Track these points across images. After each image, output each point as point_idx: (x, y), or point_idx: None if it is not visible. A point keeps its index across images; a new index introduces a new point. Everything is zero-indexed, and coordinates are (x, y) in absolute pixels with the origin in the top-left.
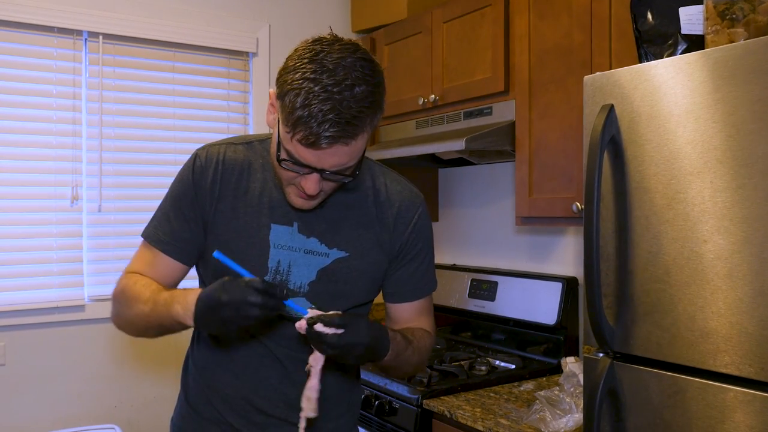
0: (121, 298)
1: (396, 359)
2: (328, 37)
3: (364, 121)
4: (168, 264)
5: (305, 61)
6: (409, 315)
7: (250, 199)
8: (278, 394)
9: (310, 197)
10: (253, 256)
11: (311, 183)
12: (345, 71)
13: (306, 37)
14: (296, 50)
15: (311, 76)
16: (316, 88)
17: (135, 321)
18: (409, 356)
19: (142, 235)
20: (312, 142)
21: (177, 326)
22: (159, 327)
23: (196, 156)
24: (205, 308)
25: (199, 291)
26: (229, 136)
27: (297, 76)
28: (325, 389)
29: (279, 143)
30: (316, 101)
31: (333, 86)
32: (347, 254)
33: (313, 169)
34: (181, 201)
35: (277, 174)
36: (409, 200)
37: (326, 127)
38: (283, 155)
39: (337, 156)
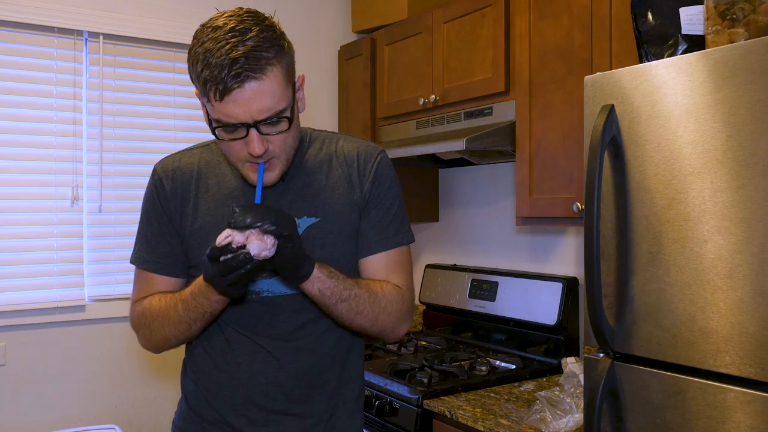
0: (145, 321)
1: (337, 292)
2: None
3: (266, 55)
4: (163, 281)
5: (198, 35)
6: (377, 270)
7: (211, 195)
8: (275, 387)
9: (261, 158)
10: None
11: (253, 143)
12: (234, 22)
13: (306, 38)
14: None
15: (205, 39)
16: (211, 44)
17: (175, 331)
18: (357, 297)
19: (131, 262)
20: (223, 90)
21: (216, 305)
22: (201, 316)
23: (153, 171)
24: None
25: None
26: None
27: (195, 49)
28: (322, 373)
29: (209, 120)
30: (214, 53)
31: (225, 35)
32: (317, 219)
33: (245, 126)
34: (151, 218)
35: (230, 159)
36: (366, 152)
37: (228, 68)
38: (214, 125)
39: (257, 98)
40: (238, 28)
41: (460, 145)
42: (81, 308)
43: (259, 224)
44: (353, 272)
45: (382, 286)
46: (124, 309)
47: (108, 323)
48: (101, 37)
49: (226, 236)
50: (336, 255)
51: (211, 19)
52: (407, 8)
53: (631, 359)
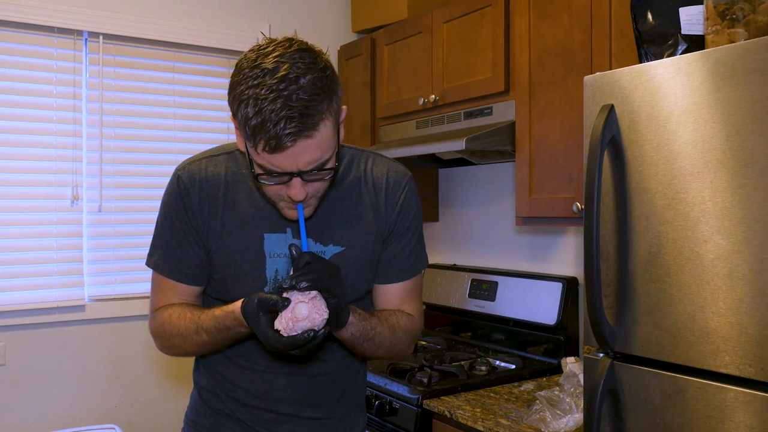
0: (164, 335)
1: (365, 333)
2: (263, 42)
3: (320, 108)
4: (187, 290)
5: (245, 71)
6: (392, 298)
7: (238, 212)
8: (289, 392)
9: (302, 203)
10: (250, 268)
11: (295, 189)
12: (286, 66)
13: (306, 37)
14: (236, 65)
15: (255, 82)
16: (263, 92)
17: (196, 350)
18: (380, 334)
19: (150, 266)
20: (275, 146)
21: (247, 331)
22: (229, 342)
23: (178, 178)
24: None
25: (237, 311)
26: (220, 142)
27: (242, 88)
28: (333, 380)
29: (251, 161)
30: (266, 104)
31: (278, 84)
32: (343, 248)
33: (290, 174)
34: (176, 227)
35: (263, 193)
36: (394, 180)
37: (283, 125)
38: (257, 170)
39: (307, 152)
40: (291, 76)
41: (459, 144)
42: (81, 308)
43: (313, 291)
44: (369, 297)
45: (398, 318)
46: (123, 309)
47: (108, 323)
48: (101, 37)
49: (286, 320)
50: (356, 284)
51: (258, 54)
52: (407, 8)
53: (631, 359)
